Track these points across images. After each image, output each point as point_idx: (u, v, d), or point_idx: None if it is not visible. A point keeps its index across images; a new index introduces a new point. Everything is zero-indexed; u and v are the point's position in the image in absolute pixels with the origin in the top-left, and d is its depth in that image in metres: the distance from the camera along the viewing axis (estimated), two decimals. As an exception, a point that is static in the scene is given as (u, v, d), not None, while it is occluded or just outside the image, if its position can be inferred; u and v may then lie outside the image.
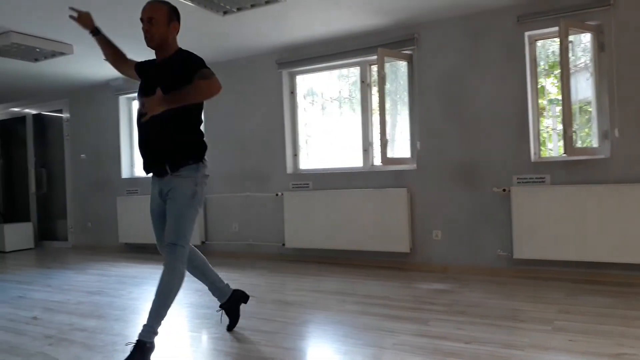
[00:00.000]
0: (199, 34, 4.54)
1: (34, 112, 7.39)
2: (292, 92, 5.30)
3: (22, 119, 7.51)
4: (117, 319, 3.19)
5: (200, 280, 2.76)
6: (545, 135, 4.27)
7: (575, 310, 2.98)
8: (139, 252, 6.21)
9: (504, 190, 4.06)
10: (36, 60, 5.03)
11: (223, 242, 5.63)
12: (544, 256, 3.86)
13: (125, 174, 6.45)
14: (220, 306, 2.84)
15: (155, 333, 2.31)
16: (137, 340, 2.28)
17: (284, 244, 5.12)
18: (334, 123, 5.13)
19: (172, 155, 2.39)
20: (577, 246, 3.72)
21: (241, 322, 2.99)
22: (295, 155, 5.30)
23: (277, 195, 5.21)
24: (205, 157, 2.50)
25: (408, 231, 4.42)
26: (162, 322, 2.34)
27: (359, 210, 4.62)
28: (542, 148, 4.17)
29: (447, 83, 4.31)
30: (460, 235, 4.30)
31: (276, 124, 5.26)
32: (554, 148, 4.29)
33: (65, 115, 6.98)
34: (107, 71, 5.79)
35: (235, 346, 2.57)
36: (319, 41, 4.87)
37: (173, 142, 2.39)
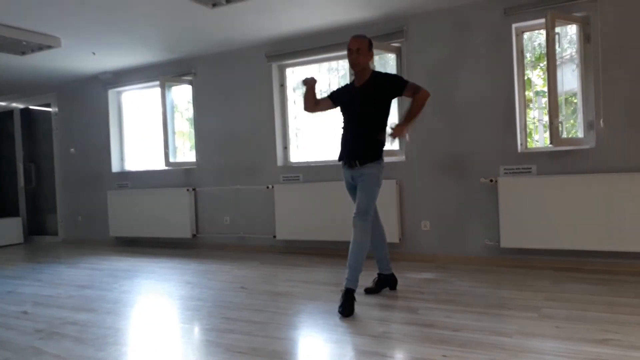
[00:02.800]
0: (188, 26, 4.52)
1: (21, 106, 7.30)
2: (282, 85, 5.30)
3: (9, 113, 7.43)
4: (108, 312, 3.19)
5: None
6: (531, 126, 4.31)
7: (561, 298, 3.04)
8: (130, 245, 6.20)
9: (491, 180, 4.10)
10: (23, 53, 4.97)
11: (214, 234, 5.63)
12: (530, 245, 3.91)
13: (115, 167, 6.42)
14: (378, 275, 3.42)
15: (357, 281, 2.95)
16: (346, 289, 2.91)
17: (274, 236, 5.14)
18: (324, 116, 5.12)
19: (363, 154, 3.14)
20: (563, 235, 3.78)
21: (233, 313, 3.01)
22: (286, 148, 5.30)
23: (267, 188, 5.22)
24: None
25: (397, 222, 4.46)
26: (360, 273, 2.97)
27: (348, 202, 4.63)
28: (529, 139, 4.22)
29: (436, 75, 4.33)
30: (448, 225, 4.34)
31: (266, 117, 5.26)
32: (540, 139, 4.34)
33: (53, 109, 6.92)
34: (96, 64, 5.74)
35: (226, 337, 2.59)
36: (308, 34, 4.86)
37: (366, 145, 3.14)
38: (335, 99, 3.29)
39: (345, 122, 3.21)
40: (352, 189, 3.22)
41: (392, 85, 3.08)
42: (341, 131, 3.24)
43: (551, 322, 2.58)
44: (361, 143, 3.10)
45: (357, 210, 3.02)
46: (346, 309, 2.84)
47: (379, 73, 3.17)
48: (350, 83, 3.29)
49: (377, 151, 3.11)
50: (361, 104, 3.09)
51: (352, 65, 3.10)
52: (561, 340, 2.32)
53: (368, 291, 3.33)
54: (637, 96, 3.66)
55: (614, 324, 2.51)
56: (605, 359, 2.09)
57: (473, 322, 2.64)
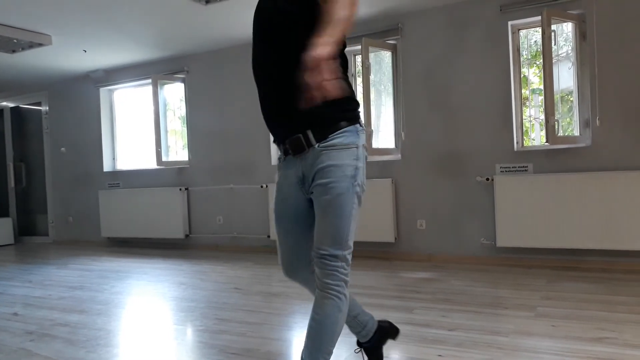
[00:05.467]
0: (181, 23, 4.47)
1: (11, 105, 7.22)
2: (276, 83, 5.25)
3: (-1, 112, 7.35)
4: (99, 313, 3.14)
5: None
6: (527, 124, 4.30)
7: (557, 297, 3.02)
8: (121, 246, 6.14)
9: (488, 179, 4.09)
10: (13, 51, 4.91)
11: (207, 234, 5.59)
12: (526, 244, 3.90)
13: (107, 167, 6.35)
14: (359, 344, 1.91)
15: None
16: None
17: (269, 236, 5.10)
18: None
19: None
20: (559, 233, 3.77)
21: (227, 314, 2.98)
22: (280, 146, 5.26)
23: (262, 187, 5.18)
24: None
25: (393, 221, 4.44)
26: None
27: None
28: (525, 137, 4.21)
29: (431, 73, 4.32)
30: (444, 224, 4.32)
31: (260, 115, 5.18)
32: (536, 137, 4.34)
33: (44, 108, 6.84)
34: (87, 63, 5.68)
35: (220, 338, 2.55)
36: (302, 31, 4.82)
37: None
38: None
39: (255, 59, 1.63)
40: (292, 211, 1.60)
41: None
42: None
43: (547, 321, 2.56)
44: (297, 92, 1.35)
45: (325, 247, 1.47)
46: None
47: None
48: None
49: (344, 104, 1.49)
50: (275, 6, 1.59)
51: None
52: (557, 339, 2.31)
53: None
54: (633, 94, 3.65)
55: (610, 323, 2.50)
56: (602, 357, 2.07)
57: (469, 321, 2.62)
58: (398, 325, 2.31)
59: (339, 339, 2.32)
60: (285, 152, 1.60)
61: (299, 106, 1.35)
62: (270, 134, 1.64)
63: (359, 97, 4.47)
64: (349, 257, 1.53)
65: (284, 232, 1.64)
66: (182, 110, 5.84)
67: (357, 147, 1.51)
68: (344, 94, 1.40)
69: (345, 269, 1.52)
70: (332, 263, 1.49)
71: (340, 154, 1.48)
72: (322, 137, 1.48)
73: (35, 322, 3.01)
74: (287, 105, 1.48)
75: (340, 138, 1.48)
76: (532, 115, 4.33)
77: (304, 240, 1.63)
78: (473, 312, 2.77)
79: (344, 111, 1.51)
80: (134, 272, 4.46)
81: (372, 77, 4.43)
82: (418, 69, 4.37)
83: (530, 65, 4.26)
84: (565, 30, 4.01)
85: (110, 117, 6.43)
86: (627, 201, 3.57)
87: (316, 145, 1.48)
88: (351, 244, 1.52)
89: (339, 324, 1.52)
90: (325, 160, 1.47)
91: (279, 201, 1.64)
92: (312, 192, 1.51)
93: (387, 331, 1.96)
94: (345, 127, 1.49)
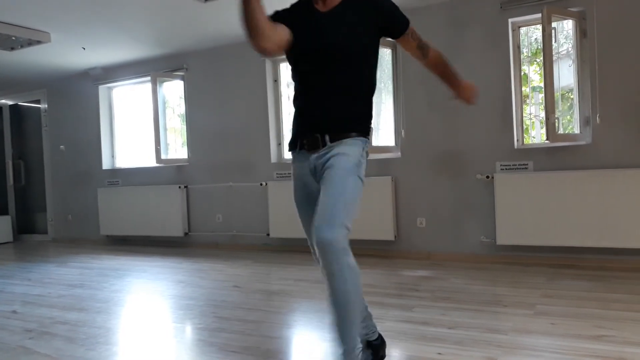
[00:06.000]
0: (180, 20, 4.46)
1: (10, 102, 7.21)
2: (276, 81, 5.25)
3: (-2, 109, 7.34)
4: (99, 311, 3.14)
5: None
6: (528, 122, 4.30)
7: (557, 295, 3.02)
8: (121, 244, 6.14)
9: (488, 177, 4.08)
10: (12, 49, 4.89)
11: (207, 232, 5.58)
12: (526, 242, 3.90)
13: (106, 165, 6.35)
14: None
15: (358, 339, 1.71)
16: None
17: (268, 234, 5.10)
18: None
19: None
20: (559, 231, 3.77)
21: (226, 312, 2.97)
22: (280, 144, 5.26)
23: (261, 185, 5.17)
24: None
25: (392, 219, 4.43)
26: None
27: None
28: (525, 135, 4.21)
29: (431, 71, 4.30)
30: (444, 222, 4.32)
31: (260, 113, 5.21)
32: (536, 135, 4.33)
33: (43, 105, 6.82)
34: (86, 60, 5.66)
35: (219, 336, 2.55)
36: (301, 29, 4.81)
37: None
38: (287, 23, 1.85)
39: (304, 74, 1.84)
40: (309, 199, 1.86)
41: (388, 13, 1.84)
42: (297, 98, 1.88)
43: (546, 319, 2.56)
44: (339, 103, 1.78)
45: (325, 221, 1.62)
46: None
47: None
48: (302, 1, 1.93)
49: (365, 119, 1.85)
50: (337, 35, 1.77)
51: None
52: (556, 336, 2.31)
53: None
54: (633, 92, 3.65)
55: (608, 320, 2.49)
56: (600, 355, 2.07)
57: (468, 319, 2.62)
58: (395, 324, 2.31)
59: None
60: (300, 147, 1.84)
61: (336, 119, 1.79)
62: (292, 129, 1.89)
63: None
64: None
65: (311, 214, 1.81)
66: (181, 107, 5.83)
67: (362, 148, 1.81)
68: (369, 120, 1.88)
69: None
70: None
71: (348, 147, 1.77)
72: (335, 139, 1.78)
73: (34, 320, 3.00)
74: (327, 115, 1.80)
75: (349, 139, 1.79)
76: (533, 112, 4.32)
77: None
78: (472, 310, 2.77)
79: (361, 128, 1.84)
80: (133, 270, 4.46)
81: (371, 74, 4.42)
82: (418, 66, 4.34)
83: (530, 62, 4.25)
84: (565, 28, 4.00)
85: (110, 115, 6.42)
86: (627, 199, 3.56)
87: (328, 143, 1.78)
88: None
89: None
90: (335, 150, 1.76)
91: (299, 188, 1.89)
92: (322, 176, 1.76)
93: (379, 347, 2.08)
94: (356, 136, 1.81)
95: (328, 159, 1.75)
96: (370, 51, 1.86)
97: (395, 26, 1.90)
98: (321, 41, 1.78)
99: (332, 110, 1.78)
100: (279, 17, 1.90)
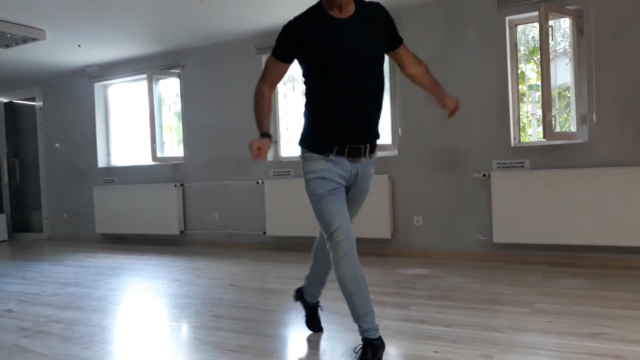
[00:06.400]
0: (176, 18, 4.43)
1: (5, 100, 7.16)
2: (272, 79, 5.22)
3: (-8, 107, 7.29)
4: (95, 309, 3.12)
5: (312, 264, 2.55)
6: (525, 120, 4.30)
7: (554, 293, 3.02)
8: (116, 242, 6.11)
9: (484, 175, 4.08)
10: (7, 46, 4.86)
11: (203, 231, 5.56)
12: (523, 240, 3.90)
13: (101, 163, 6.32)
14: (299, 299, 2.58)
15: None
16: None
17: (265, 232, 5.08)
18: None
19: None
20: (556, 230, 3.77)
21: (222, 310, 2.96)
22: (276, 142, 5.24)
23: (257, 183, 5.16)
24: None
25: (389, 217, 4.43)
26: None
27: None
28: (522, 133, 4.21)
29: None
30: (441, 220, 4.32)
31: (256, 111, 5.18)
32: (533, 133, 4.33)
33: (38, 103, 6.78)
34: (81, 57, 5.63)
35: (215, 334, 2.54)
36: (298, 26, 4.80)
37: None
38: (301, 44, 1.95)
39: (332, 79, 1.92)
40: (338, 191, 2.02)
41: (392, 25, 2.07)
42: (319, 103, 2.02)
43: (543, 317, 2.56)
44: (374, 115, 2.05)
45: (350, 229, 2.02)
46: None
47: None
48: (317, 7, 2.01)
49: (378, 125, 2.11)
50: (363, 44, 1.92)
51: None
52: (553, 335, 2.31)
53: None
54: (629, 90, 3.65)
55: (606, 318, 2.50)
56: (598, 353, 2.07)
57: (465, 317, 2.62)
58: (392, 323, 2.31)
59: (336, 335, 2.30)
60: (339, 153, 1.99)
61: (371, 126, 2.06)
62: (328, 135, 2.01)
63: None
64: None
65: (339, 204, 2.04)
66: (177, 105, 5.80)
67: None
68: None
69: None
70: None
71: (373, 168, 2.16)
72: (372, 150, 2.09)
73: (29, 318, 2.99)
74: (367, 123, 2.03)
75: (375, 154, 2.16)
76: (529, 111, 4.32)
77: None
78: (469, 309, 2.77)
79: (379, 135, 2.15)
80: (129, 269, 4.44)
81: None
82: (415, 64, 4.35)
83: (527, 61, 4.25)
84: (562, 26, 4.00)
85: (105, 113, 6.39)
86: (623, 197, 3.57)
87: (367, 156, 2.07)
88: None
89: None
90: (369, 170, 2.12)
91: (328, 184, 2.01)
92: (353, 185, 2.10)
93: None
94: (376, 149, 2.15)
95: (365, 177, 2.11)
96: (383, 57, 2.04)
97: (396, 36, 2.11)
98: (351, 45, 1.91)
99: (371, 117, 2.04)
100: (284, 54, 2.08)
